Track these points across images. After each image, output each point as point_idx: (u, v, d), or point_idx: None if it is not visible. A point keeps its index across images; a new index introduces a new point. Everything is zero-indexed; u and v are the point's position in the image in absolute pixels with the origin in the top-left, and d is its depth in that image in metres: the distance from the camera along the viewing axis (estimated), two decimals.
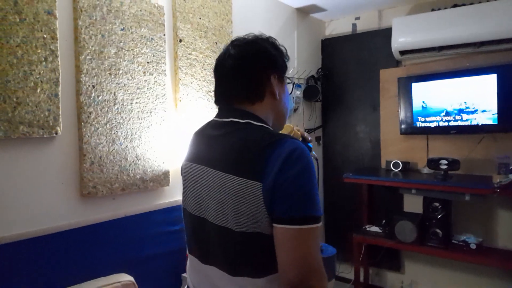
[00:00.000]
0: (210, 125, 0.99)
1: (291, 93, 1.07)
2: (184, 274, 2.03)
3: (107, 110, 1.68)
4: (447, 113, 2.67)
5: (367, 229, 2.84)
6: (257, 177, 0.78)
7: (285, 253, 0.77)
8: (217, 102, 1.01)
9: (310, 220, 0.77)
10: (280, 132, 1.09)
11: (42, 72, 1.46)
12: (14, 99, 1.38)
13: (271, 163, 0.78)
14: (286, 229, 0.77)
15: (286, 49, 1.02)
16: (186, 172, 1.00)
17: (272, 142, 0.81)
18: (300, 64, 3.17)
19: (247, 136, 0.86)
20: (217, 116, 0.98)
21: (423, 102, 2.77)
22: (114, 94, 1.71)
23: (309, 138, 1.21)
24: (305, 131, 1.25)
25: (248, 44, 0.96)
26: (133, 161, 1.79)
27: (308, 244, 0.76)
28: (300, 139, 1.19)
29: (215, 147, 0.91)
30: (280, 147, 0.80)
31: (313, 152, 1.18)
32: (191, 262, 1.01)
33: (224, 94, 0.98)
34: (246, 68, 0.93)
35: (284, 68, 1.00)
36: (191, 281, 1.01)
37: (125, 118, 1.76)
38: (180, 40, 2.06)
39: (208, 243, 0.91)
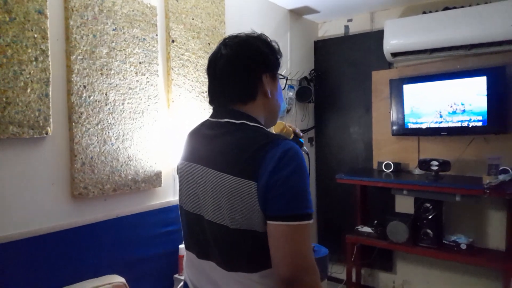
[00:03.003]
0: (205, 125, 1.01)
1: (284, 88, 1.08)
2: (176, 275, 2.03)
3: (99, 111, 1.67)
4: (438, 115, 2.70)
5: (359, 229, 2.86)
6: (251, 177, 0.81)
7: (278, 249, 0.80)
8: (211, 102, 1.02)
9: (302, 217, 0.79)
10: (273, 128, 1.11)
11: (32, 72, 1.45)
12: (4, 99, 1.36)
13: (265, 163, 0.80)
14: (279, 225, 0.79)
15: (278, 45, 1.02)
16: (182, 171, 1.02)
17: (266, 143, 0.83)
18: (293, 65, 3.18)
19: (242, 137, 0.88)
20: (212, 116, 1.00)
21: (415, 103, 2.80)
22: (106, 94, 1.70)
23: (301, 134, 1.25)
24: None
25: (240, 43, 0.97)
26: (124, 162, 1.78)
27: (300, 240, 0.79)
28: (292, 135, 1.22)
29: (211, 147, 0.93)
30: (275, 148, 0.82)
31: (304, 147, 1.21)
32: (188, 257, 1.03)
33: (217, 94, 0.99)
34: (237, 69, 0.94)
35: (277, 65, 1.00)
36: (188, 276, 1.03)
37: (117, 118, 1.75)
38: (173, 41, 2.05)
39: (205, 239, 0.93)
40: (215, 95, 0.99)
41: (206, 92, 2.24)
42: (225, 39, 1.00)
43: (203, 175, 0.92)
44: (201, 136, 0.99)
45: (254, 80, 0.95)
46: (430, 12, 2.78)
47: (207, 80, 2.34)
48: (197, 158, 0.96)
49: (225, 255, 0.89)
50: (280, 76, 1.04)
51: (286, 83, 1.13)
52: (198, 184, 0.94)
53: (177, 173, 1.06)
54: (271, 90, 0.98)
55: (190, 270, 1.02)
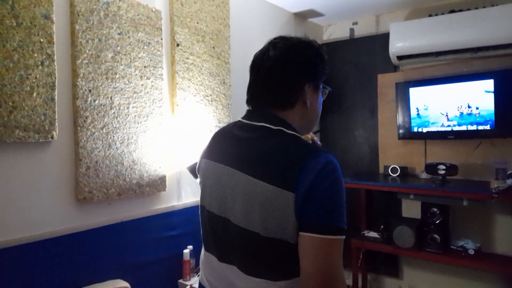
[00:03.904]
0: (237, 126, 0.98)
1: (324, 99, 1.06)
2: (180, 280, 2.02)
3: (104, 115, 1.68)
4: (445, 118, 2.67)
5: (365, 234, 2.83)
6: (290, 187, 0.79)
7: (308, 261, 0.78)
8: (249, 102, 0.99)
9: (337, 231, 0.78)
10: None
11: (38, 76, 1.45)
12: (10, 103, 1.37)
13: (305, 174, 0.78)
14: (312, 237, 0.77)
15: (327, 54, 0.99)
16: (206, 170, 0.99)
17: (307, 154, 0.82)
18: None
19: (280, 144, 0.86)
20: (245, 118, 0.97)
21: (421, 107, 2.78)
22: (111, 98, 1.71)
23: (318, 142, 1.24)
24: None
25: (290, 48, 0.94)
26: (129, 166, 1.78)
27: (332, 254, 0.78)
28: (310, 142, 1.22)
29: (244, 150, 0.90)
30: (315, 159, 0.80)
31: None
32: (208, 259, 1.00)
33: (257, 96, 0.96)
34: (282, 74, 0.92)
35: (322, 76, 0.98)
36: (205, 277, 1.01)
37: (122, 122, 1.75)
38: (178, 45, 2.06)
39: (229, 243, 0.91)
40: (254, 96, 0.97)
41: (210, 95, 2.24)
42: (274, 40, 0.97)
43: (233, 178, 0.89)
44: (233, 138, 0.96)
45: (297, 89, 0.92)
46: (436, 15, 2.76)
47: (211, 83, 2.33)
48: (226, 160, 0.93)
49: (251, 262, 0.87)
50: (326, 88, 1.01)
51: (327, 94, 1.08)
52: (226, 186, 0.91)
53: (197, 171, 1.03)
54: (311, 101, 0.95)
55: (209, 272, 1.00)
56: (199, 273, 1.06)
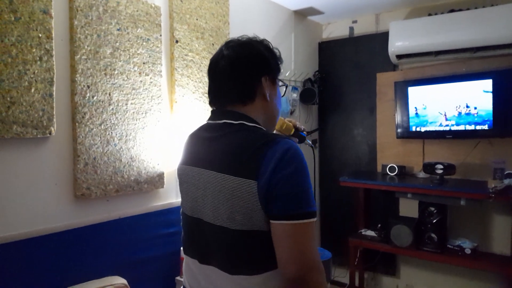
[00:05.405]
0: (203, 128, 1.01)
1: (283, 95, 1.09)
2: (178, 277, 2.02)
3: (102, 111, 1.67)
4: (443, 118, 2.68)
5: (363, 233, 2.84)
6: (252, 176, 0.81)
7: (283, 248, 0.80)
8: (211, 103, 1.02)
9: (306, 215, 0.80)
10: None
11: (36, 71, 1.44)
12: (8, 99, 1.36)
13: (265, 162, 0.80)
14: (283, 224, 0.79)
15: (279, 52, 1.03)
16: (181, 175, 1.02)
17: (266, 142, 0.83)
18: (297, 66, 3.16)
19: (241, 137, 0.88)
20: (210, 118, 1.00)
21: (419, 106, 2.78)
22: (109, 94, 1.70)
23: (302, 128, 1.23)
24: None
25: (242, 45, 0.98)
26: (127, 163, 1.77)
27: (305, 238, 0.79)
28: (293, 130, 1.19)
29: (210, 149, 0.92)
30: (274, 146, 0.82)
31: (308, 141, 1.18)
32: (188, 262, 1.01)
33: (217, 95, 0.99)
34: (238, 69, 0.95)
35: (277, 70, 1.01)
36: (187, 282, 1.01)
37: (120, 119, 1.74)
38: (177, 41, 2.05)
39: (206, 243, 0.93)
40: (215, 96, 1.00)
41: (207, 92, 2.23)
42: (227, 42, 1.01)
43: (203, 177, 0.91)
44: (200, 139, 0.99)
45: (254, 81, 0.95)
46: (436, 14, 2.76)
47: None
48: (196, 161, 0.96)
49: (226, 258, 0.88)
50: (281, 83, 1.04)
51: (285, 90, 1.13)
52: (197, 187, 0.93)
53: (178, 177, 1.06)
54: (270, 94, 0.98)
55: (189, 275, 1.01)
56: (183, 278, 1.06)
